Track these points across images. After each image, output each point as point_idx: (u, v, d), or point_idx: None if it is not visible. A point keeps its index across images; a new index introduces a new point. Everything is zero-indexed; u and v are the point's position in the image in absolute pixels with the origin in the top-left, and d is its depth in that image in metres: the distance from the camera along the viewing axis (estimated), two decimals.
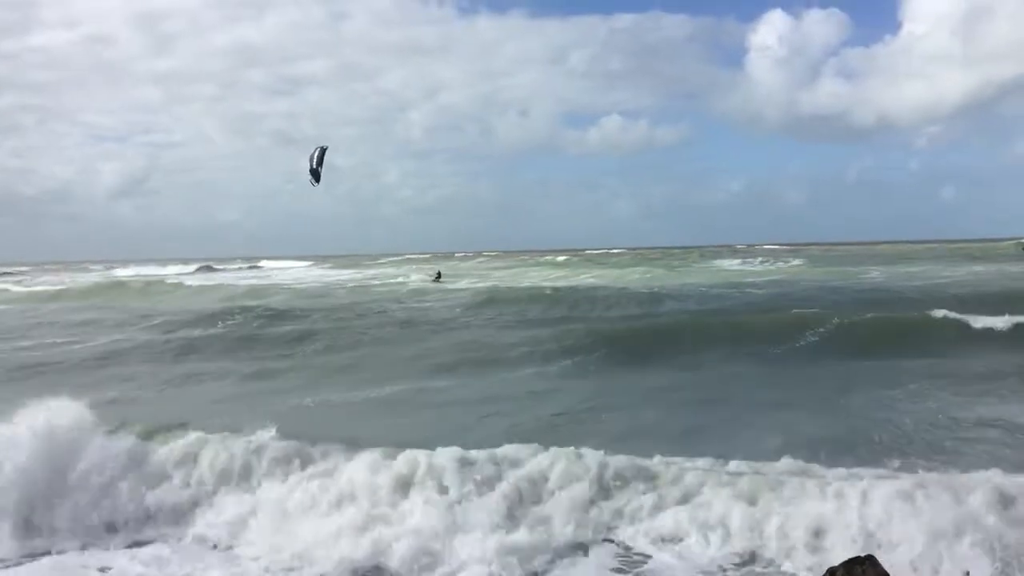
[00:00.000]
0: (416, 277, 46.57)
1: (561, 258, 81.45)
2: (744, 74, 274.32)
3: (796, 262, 57.32)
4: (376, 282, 44.13)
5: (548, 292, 28.43)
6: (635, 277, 42.18)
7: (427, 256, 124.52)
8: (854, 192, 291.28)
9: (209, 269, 79.32)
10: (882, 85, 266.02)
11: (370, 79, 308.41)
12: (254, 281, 48.35)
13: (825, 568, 5.79)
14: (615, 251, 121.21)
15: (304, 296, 33.60)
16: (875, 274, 37.96)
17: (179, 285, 42.70)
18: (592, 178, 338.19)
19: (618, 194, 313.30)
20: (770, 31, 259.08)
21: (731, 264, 59.62)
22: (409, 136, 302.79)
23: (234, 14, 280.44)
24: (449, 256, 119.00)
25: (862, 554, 5.77)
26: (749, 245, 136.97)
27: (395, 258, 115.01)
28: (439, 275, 43.93)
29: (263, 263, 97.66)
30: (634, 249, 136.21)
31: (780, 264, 55.96)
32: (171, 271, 71.81)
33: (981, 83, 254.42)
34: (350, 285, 41.38)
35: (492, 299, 26.54)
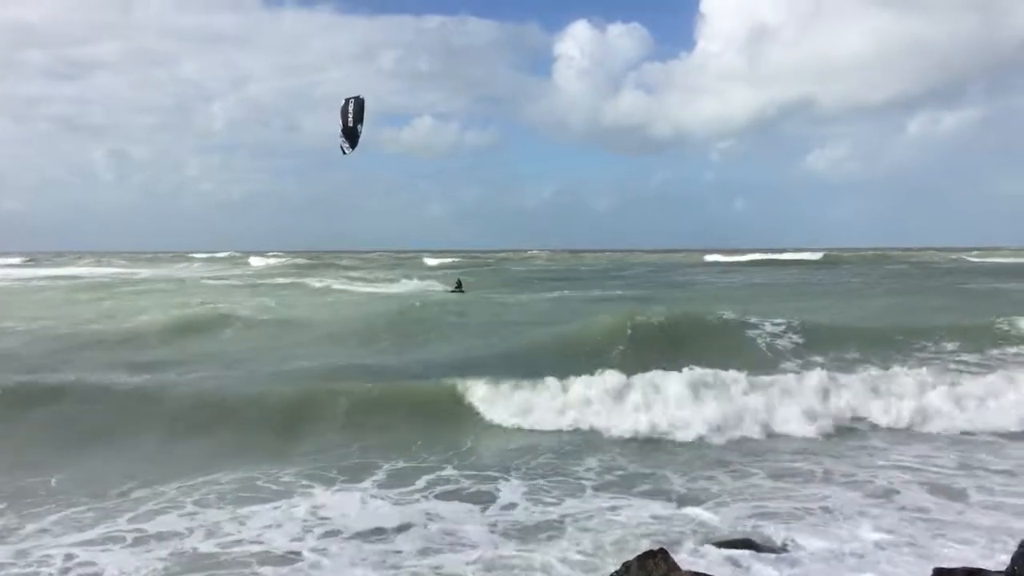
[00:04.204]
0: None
1: (274, 261, 74.84)
2: (551, 82, 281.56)
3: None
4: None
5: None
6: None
7: (204, 256, 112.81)
8: (656, 201, 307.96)
9: None
10: (679, 100, 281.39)
11: (168, 66, 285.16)
12: None
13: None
14: (375, 252, 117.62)
15: None
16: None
17: None
18: (406, 178, 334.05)
19: (432, 195, 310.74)
20: (575, 42, 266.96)
21: None
22: (212, 128, 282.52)
23: None
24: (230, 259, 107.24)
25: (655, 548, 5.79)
26: (553, 251, 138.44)
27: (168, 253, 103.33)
28: (459, 284, 38.57)
29: None
30: (434, 250, 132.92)
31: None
32: None
33: (766, 102, 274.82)
34: None
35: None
